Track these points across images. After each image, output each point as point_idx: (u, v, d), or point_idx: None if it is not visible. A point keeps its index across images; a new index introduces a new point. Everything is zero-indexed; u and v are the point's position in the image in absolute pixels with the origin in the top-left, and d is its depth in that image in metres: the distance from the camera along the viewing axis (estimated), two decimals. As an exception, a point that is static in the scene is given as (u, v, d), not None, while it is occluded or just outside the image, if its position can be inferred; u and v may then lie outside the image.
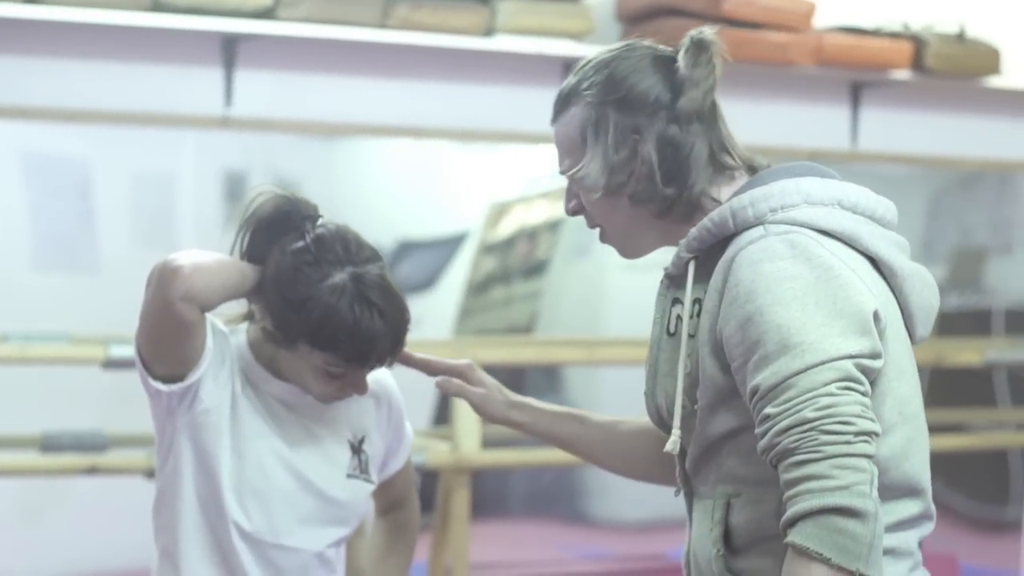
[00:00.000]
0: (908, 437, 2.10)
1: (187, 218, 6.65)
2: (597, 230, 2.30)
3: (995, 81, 4.88)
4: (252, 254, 2.49)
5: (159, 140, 6.33)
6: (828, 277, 2.03)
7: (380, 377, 2.63)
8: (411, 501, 2.78)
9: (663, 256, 2.31)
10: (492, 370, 2.68)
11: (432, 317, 7.09)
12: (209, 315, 2.48)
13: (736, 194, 2.16)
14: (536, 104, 4.43)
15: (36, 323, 4.44)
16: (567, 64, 4.40)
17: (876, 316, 2.04)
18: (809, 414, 1.94)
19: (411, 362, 2.54)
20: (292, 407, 2.56)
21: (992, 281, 7.77)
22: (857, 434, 1.94)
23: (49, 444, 4.34)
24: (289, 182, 2.55)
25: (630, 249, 2.28)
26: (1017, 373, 6.42)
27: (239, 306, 2.54)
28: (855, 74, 4.78)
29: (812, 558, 1.91)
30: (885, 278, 2.13)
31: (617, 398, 5.83)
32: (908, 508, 2.11)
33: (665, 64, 2.23)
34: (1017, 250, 7.65)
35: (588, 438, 2.50)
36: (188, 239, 6.49)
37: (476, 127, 4.59)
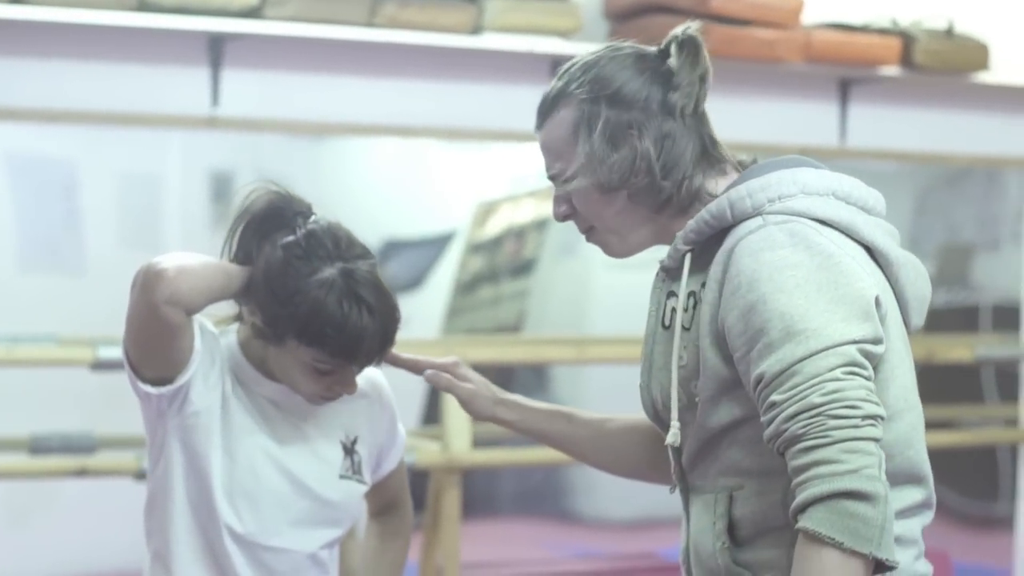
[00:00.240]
0: (911, 424, 2.12)
1: (174, 218, 6.65)
2: (586, 233, 2.30)
3: (984, 77, 4.88)
4: (244, 249, 2.48)
5: (145, 140, 6.33)
6: (829, 264, 2.04)
7: (372, 377, 2.62)
8: (404, 503, 2.77)
9: (649, 254, 2.32)
10: (481, 369, 2.67)
11: (420, 316, 7.09)
12: (198, 316, 2.47)
13: (731, 186, 2.16)
14: (524, 102, 4.40)
15: (23, 324, 4.43)
16: (555, 62, 4.39)
17: (877, 302, 2.06)
18: (816, 399, 1.95)
19: (398, 362, 2.53)
20: (283, 407, 2.55)
21: (979, 277, 7.79)
22: (864, 418, 1.95)
23: (38, 446, 4.32)
24: (277, 182, 2.53)
25: (623, 247, 2.27)
26: (1005, 369, 6.42)
27: (229, 307, 2.54)
28: (843, 70, 4.77)
29: (824, 543, 1.92)
30: (880, 267, 2.14)
31: (604, 396, 5.83)
32: (912, 495, 2.12)
33: (652, 61, 2.23)
34: (1004, 246, 7.66)
35: (576, 436, 2.50)
36: (175, 239, 6.48)
37: (464, 126, 4.57)
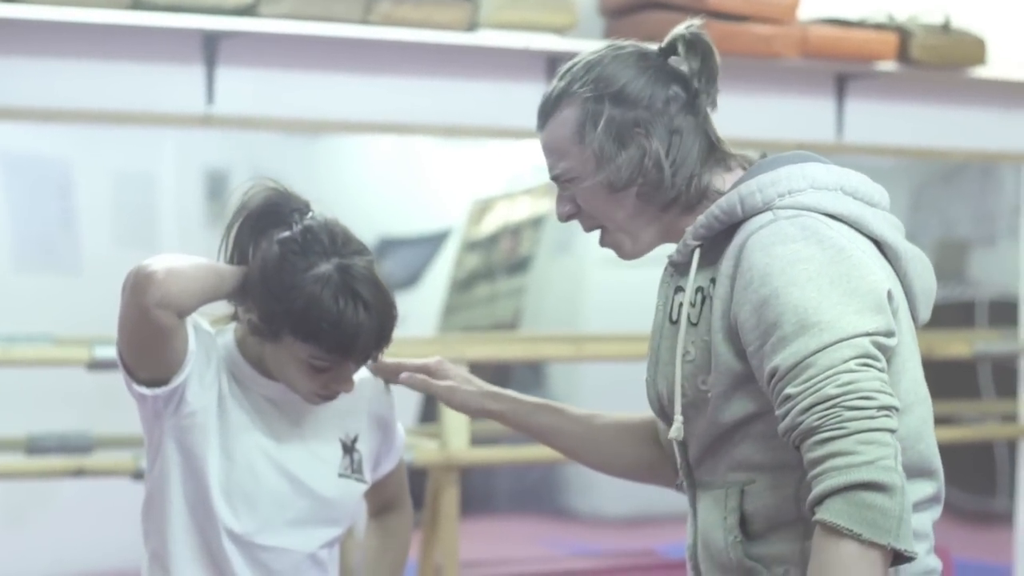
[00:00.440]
0: (922, 418, 2.13)
1: (169, 217, 6.65)
2: (591, 231, 2.29)
3: (981, 71, 4.87)
4: (240, 246, 2.47)
5: (140, 139, 6.33)
6: (840, 258, 2.05)
7: (372, 376, 2.61)
8: (404, 502, 2.76)
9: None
10: (478, 366, 2.66)
11: (416, 314, 7.09)
12: (194, 315, 2.46)
13: (740, 182, 2.17)
14: (520, 99, 4.42)
15: (18, 324, 4.42)
16: (551, 59, 4.38)
17: (889, 296, 2.07)
18: (831, 391, 1.96)
19: (379, 371, 2.53)
20: (280, 406, 2.54)
21: (976, 273, 7.79)
22: (879, 408, 1.95)
23: (35, 446, 4.32)
24: (274, 179, 2.53)
25: (636, 247, 2.27)
26: (1002, 364, 6.42)
27: (225, 306, 2.53)
28: (840, 66, 4.77)
29: (842, 535, 1.92)
30: (889, 261, 2.15)
31: (600, 393, 5.83)
32: (924, 489, 2.13)
33: (655, 60, 2.23)
34: (1000, 241, 7.66)
35: (566, 430, 2.50)
36: (170, 238, 6.48)
37: (459, 123, 4.56)
